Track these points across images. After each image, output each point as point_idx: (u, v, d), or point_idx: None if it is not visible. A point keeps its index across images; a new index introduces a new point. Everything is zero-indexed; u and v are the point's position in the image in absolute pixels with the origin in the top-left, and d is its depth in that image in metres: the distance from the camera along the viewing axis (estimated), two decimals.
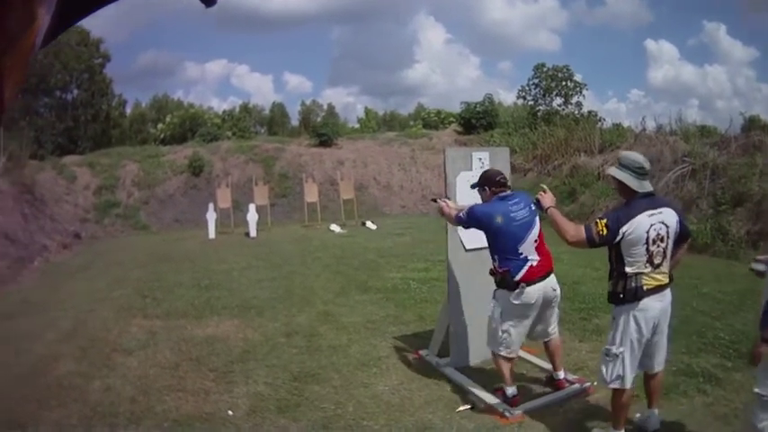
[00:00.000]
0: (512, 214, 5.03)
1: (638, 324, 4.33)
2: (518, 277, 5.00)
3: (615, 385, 4.44)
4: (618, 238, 4.24)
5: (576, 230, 4.40)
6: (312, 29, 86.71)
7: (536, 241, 5.06)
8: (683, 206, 13.83)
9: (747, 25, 67.41)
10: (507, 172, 6.39)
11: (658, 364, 4.66)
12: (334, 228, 19.68)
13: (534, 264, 5.03)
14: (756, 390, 3.73)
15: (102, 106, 32.64)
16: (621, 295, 4.34)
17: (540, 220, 5.12)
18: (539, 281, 5.03)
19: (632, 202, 4.35)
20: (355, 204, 22.01)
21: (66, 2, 0.66)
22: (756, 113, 22.96)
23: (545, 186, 4.97)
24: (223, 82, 75.21)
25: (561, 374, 5.61)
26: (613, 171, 4.50)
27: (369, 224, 20.15)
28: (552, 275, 5.21)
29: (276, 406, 5.36)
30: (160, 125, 34.28)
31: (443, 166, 6.26)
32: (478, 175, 5.85)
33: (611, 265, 4.47)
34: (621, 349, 4.36)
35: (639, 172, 4.36)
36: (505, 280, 5.07)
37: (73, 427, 5.09)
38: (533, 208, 5.06)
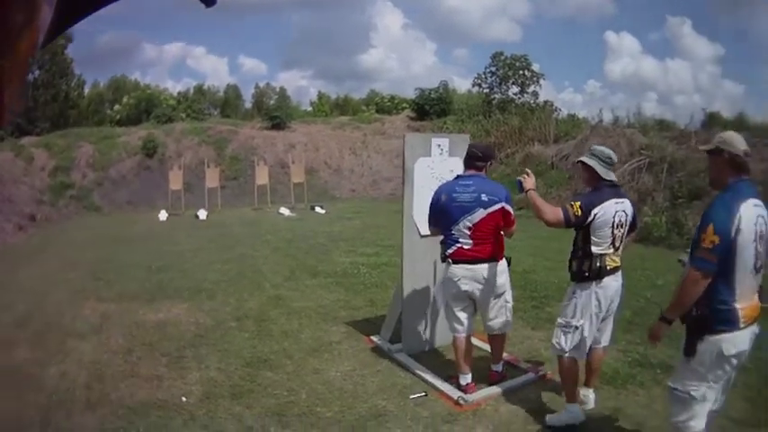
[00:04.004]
0: (454, 194, 5.05)
1: (598, 300, 4.54)
2: (447, 253, 5.12)
3: (573, 354, 4.63)
4: (590, 219, 4.44)
5: (553, 211, 4.55)
6: (270, 12, 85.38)
7: (470, 228, 4.99)
8: (638, 198, 13.99)
9: (715, 22, 67.49)
10: None
11: (605, 340, 4.88)
12: (284, 211, 19.57)
13: (465, 247, 5.04)
14: (670, 383, 3.78)
15: (62, 87, 31.91)
16: (587, 273, 4.51)
17: (504, 210, 5.03)
18: (465, 263, 5.04)
19: (600, 189, 4.59)
20: (305, 188, 21.89)
21: (66, 1, 0.64)
22: (717, 110, 22.89)
23: (528, 170, 5.04)
24: (179, 63, 73.89)
25: (496, 367, 5.52)
26: (584, 158, 4.72)
27: (318, 209, 20.06)
28: (487, 266, 5.06)
29: (230, 392, 5.27)
30: (117, 106, 33.68)
31: (402, 152, 6.13)
32: (437, 162, 6.07)
33: (575, 247, 4.64)
34: (582, 321, 4.55)
35: (607, 162, 4.63)
36: (441, 252, 5.22)
37: (30, 416, 4.93)
38: (484, 198, 4.97)
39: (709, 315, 3.46)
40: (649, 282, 8.56)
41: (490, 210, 4.99)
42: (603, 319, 4.73)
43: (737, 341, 3.48)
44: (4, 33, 0.53)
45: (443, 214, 5.11)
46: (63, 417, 4.87)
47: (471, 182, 5.10)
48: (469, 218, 4.98)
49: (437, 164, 6.17)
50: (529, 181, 4.82)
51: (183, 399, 5.14)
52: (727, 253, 3.38)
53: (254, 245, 13.22)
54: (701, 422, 3.64)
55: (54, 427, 4.74)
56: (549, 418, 4.78)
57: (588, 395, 4.97)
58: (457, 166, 6.14)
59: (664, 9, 67.89)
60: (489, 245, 5.08)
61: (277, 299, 8.49)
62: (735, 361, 3.53)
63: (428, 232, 5.92)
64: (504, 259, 5.24)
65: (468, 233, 5.01)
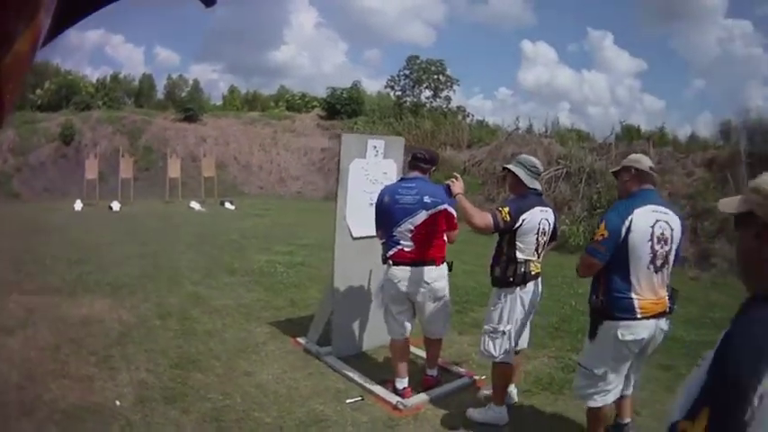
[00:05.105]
0: (397, 196, 4.94)
1: (523, 304, 4.62)
2: (388, 254, 5.03)
3: (504, 359, 4.68)
4: (517, 225, 4.46)
5: (482, 216, 4.50)
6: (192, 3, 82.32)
7: (411, 231, 4.89)
8: (556, 207, 13.74)
9: (638, 37, 68.19)
10: (400, 162, 6.32)
11: (523, 342, 4.97)
12: (194, 205, 19.25)
13: (406, 249, 4.94)
14: (578, 360, 4.25)
15: None
16: (512, 279, 4.55)
17: (447, 212, 4.92)
18: (405, 265, 4.95)
19: (526, 197, 4.62)
20: (215, 182, 21.51)
21: (66, 1, 0.61)
22: (634, 123, 22.73)
23: (457, 175, 4.98)
24: (98, 51, 70.88)
25: (432, 372, 5.48)
26: (510, 166, 4.75)
27: (227, 204, 19.76)
28: (427, 269, 4.97)
29: (162, 395, 5.01)
30: (38, 91, 32.24)
31: (339, 152, 5.96)
32: (371, 163, 5.98)
33: (498, 252, 4.64)
34: (509, 327, 4.61)
35: (533, 171, 4.67)
36: (383, 253, 5.12)
37: None
38: (426, 200, 4.87)
39: (608, 303, 3.87)
40: (571, 289, 8.66)
41: (432, 212, 4.88)
42: (524, 322, 4.81)
43: (634, 329, 3.83)
44: (3, 35, 0.51)
45: (386, 216, 5.01)
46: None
47: (414, 184, 5.00)
48: (411, 220, 4.88)
49: (371, 165, 6.05)
50: (457, 185, 4.78)
51: (117, 403, 4.84)
52: (617, 248, 3.79)
53: (168, 239, 12.89)
54: (605, 398, 4.03)
55: None
56: (470, 411, 4.85)
57: (511, 390, 5.07)
58: (390, 169, 6.13)
59: (586, 22, 68.36)
60: (430, 248, 4.99)
61: (196, 296, 8.25)
62: (633, 347, 3.88)
63: (360, 234, 5.87)
64: (444, 264, 5.14)
65: (410, 235, 4.92)
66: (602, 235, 3.82)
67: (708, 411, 1.49)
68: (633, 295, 3.81)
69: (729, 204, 1.75)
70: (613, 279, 3.85)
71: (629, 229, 3.77)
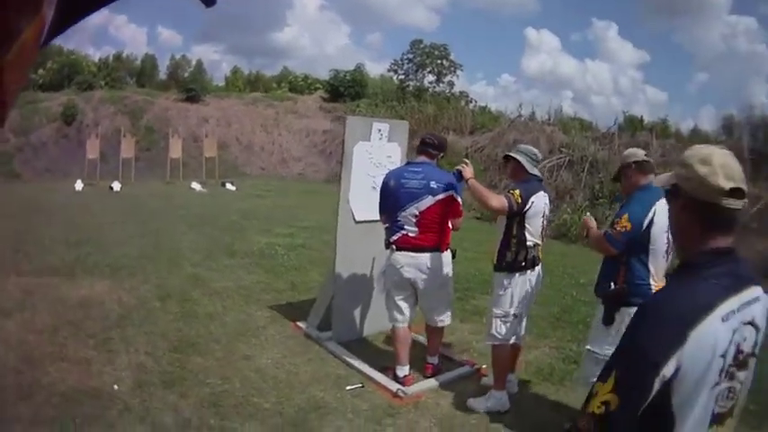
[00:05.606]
0: (402, 180, 4.84)
1: (531, 287, 4.67)
2: (392, 239, 4.94)
3: (515, 341, 4.77)
4: (527, 207, 4.50)
5: (498, 199, 4.53)
6: None
7: (416, 216, 4.79)
8: (557, 195, 13.82)
9: (643, 29, 67.64)
10: (404, 146, 6.24)
11: (524, 328, 4.92)
12: (195, 186, 19.15)
13: (410, 235, 4.84)
14: (588, 347, 4.23)
15: None
16: (523, 263, 4.58)
17: (453, 199, 4.85)
18: (409, 250, 4.85)
19: (529, 182, 4.67)
20: (217, 163, 21.40)
21: (67, 1, 0.59)
22: (636, 113, 22.36)
23: (467, 160, 4.99)
24: (101, 31, 70.30)
25: (432, 360, 5.36)
26: (512, 153, 4.81)
27: (228, 185, 19.66)
28: (431, 255, 4.87)
29: (161, 380, 4.92)
30: (41, 70, 32.07)
31: (343, 134, 5.83)
32: (375, 147, 5.90)
33: (507, 236, 4.61)
34: (520, 310, 4.65)
35: (533, 158, 4.75)
36: (386, 238, 5.03)
37: None
38: (433, 186, 4.78)
39: (627, 290, 3.96)
40: (573, 279, 8.62)
41: (438, 197, 4.79)
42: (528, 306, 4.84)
43: None
44: (5, 33, 0.49)
45: (391, 200, 4.90)
46: None
47: (420, 169, 4.90)
48: (417, 205, 4.78)
49: (375, 149, 5.95)
50: (468, 170, 4.76)
51: (116, 386, 4.75)
52: (639, 239, 3.94)
53: (168, 220, 12.82)
54: None
55: None
56: (470, 401, 4.78)
57: (512, 379, 5.02)
58: (394, 153, 6.03)
59: (590, 12, 68.06)
60: (435, 234, 4.89)
61: (196, 278, 8.17)
62: None
63: (363, 218, 5.77)
64: (448, 251, 5.05)
65: (415, 220, 4.82)
66: (625, 227, 3.95)
67: (615, 374, 1.53)
68: (651, 282, 3.97)
69: (662, 179, 1.86)
70: (635, 267, 3.99)
71: (651, 222, 3.93)
